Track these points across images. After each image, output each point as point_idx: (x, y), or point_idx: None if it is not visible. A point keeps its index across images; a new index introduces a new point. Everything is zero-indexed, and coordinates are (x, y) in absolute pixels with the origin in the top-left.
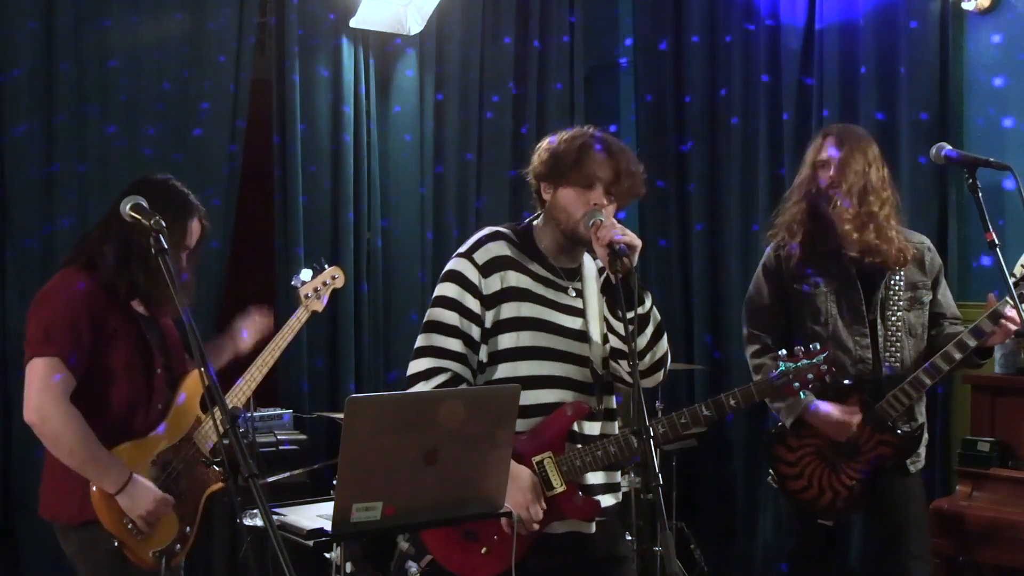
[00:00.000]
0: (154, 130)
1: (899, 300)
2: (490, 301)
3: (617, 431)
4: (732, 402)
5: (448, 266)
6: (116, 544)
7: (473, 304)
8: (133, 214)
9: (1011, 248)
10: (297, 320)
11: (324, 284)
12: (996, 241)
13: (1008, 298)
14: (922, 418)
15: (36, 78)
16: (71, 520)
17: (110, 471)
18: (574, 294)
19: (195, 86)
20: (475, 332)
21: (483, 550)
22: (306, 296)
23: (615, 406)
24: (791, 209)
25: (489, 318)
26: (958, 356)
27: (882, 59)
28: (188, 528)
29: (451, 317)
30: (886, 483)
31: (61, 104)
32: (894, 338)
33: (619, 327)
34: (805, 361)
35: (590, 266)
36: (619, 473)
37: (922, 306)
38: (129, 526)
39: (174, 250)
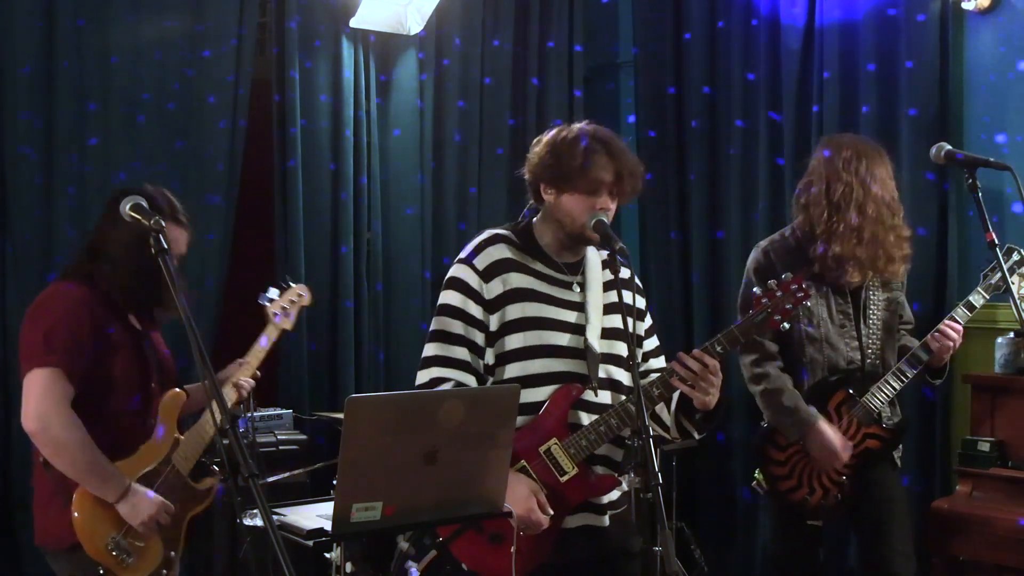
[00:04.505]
0: (155, 129)
1: (878, 300)
2: (493, 305)
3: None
4: (719, 348)
5: (450, 273)
6: (101, 572)
7: (476, 311)
8: (133, 214)
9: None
10: (268, 340)
11: (291, 302)
12: (996, 241)
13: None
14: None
15: (37, 76)
16: (60, 544)
17: (111, 479)
18: (577, 288)
19: (195, 86)
20: (479, 338)
21: (512, 549)
22: (274, 315)
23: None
24: (838, 220)
25: (494, 321)
26: (936, 345)
27: (882, 59)
28: (172, 553)
29: (456, 326)
30: (871, 477)
31: (62, 103)
32: (875, 336)
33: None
34: (781, 293)
35: (593, 257)
36: (621, 451)
37: (896, 305)
38: (113, 552)
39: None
